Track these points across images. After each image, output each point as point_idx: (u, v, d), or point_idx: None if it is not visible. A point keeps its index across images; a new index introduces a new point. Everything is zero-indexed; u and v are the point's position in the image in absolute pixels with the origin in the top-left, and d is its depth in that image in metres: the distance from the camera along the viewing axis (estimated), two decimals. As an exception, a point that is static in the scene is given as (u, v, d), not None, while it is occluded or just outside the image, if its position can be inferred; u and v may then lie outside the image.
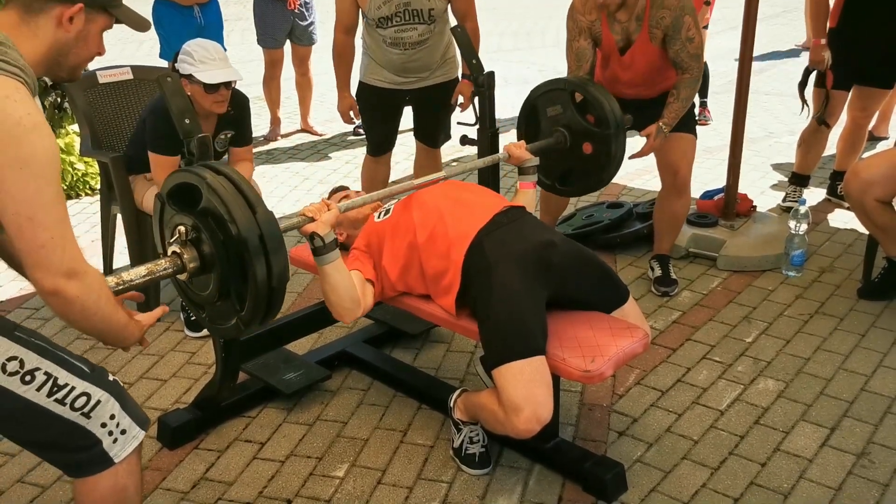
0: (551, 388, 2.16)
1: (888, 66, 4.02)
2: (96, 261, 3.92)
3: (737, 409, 2.72)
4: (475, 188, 2.65)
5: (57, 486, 2.47)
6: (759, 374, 2.92)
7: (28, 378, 1.68)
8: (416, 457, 2.54)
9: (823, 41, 4.02)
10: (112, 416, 1.78)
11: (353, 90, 3.76)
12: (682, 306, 3.42)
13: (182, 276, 1.96)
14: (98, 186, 4.81)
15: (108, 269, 3.71)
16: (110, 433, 1.78)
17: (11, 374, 1.66)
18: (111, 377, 1.82)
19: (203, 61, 3.03)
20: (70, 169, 4.83)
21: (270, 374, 2.85)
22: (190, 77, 3.04)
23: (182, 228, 1.92)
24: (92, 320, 1.65)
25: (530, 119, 3.20)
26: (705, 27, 5.92)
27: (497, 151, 3.11)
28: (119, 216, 3.54)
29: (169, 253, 1.96)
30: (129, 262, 3.45)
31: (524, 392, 2.11)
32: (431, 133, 3.87)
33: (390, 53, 3.57)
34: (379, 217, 2.55)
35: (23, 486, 2.48)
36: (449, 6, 3.56)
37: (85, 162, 4.88)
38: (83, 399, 1.74)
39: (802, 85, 4.16)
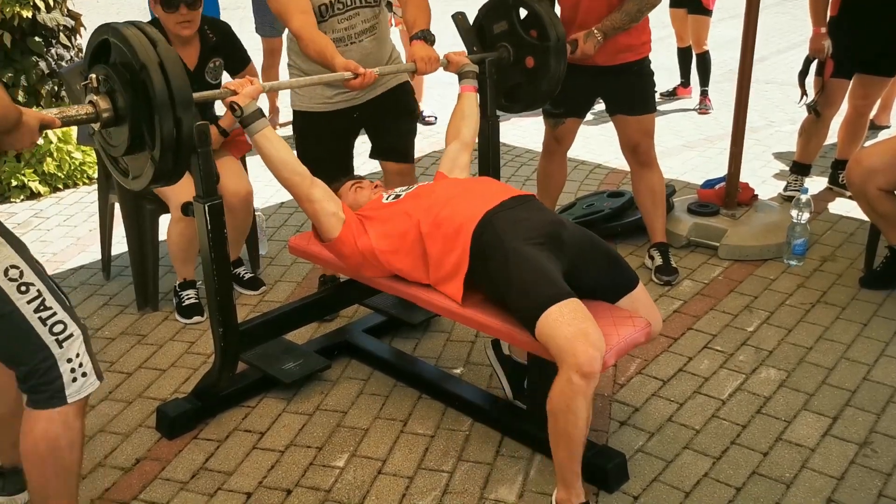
0: (597, 325, 2.10)
1: (889, 54, 4.00)
2: (95, 249, 3.91)
3: (738, 399, 2.71)
4: (484, 179, 2.66)
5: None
6: (761, 364, 2.91)
7: (23, 288, 1.81)
8: (416, 447, 2.53)
9: (823, 30, 4.00)
10: (78, 355, 1.89)
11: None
12: (684, 295, 3.40)
13: (96, 125, 2.08)
14: (95, 175, 4.80)
15: (107, 258, 3.69)
16: (72, 370, 1.88)
17: (11, 280, 1.80)
18: (82, 320, 1.94)
19: None
20: (67, 158, 4.81)
21: (270, 363, 2.84)
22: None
23: (94, 76, 2.04)
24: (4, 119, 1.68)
25: (479, 38, 3.16)
26: (709, 13, 5.90)
27: (498, 141, 3.09)
28: (117, 205, 3.52)
29: (86, 102, 2.07)
30: (126, 251, 3.43)
31: (572, 329, 2.04)
32: (398, 147, 3.24)
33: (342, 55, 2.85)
34: (387, 199, 2.57)
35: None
36: None
37: (82, 150, 4.86)
38: (60, 326, 1.86)
39: (803, 74, 4.14)
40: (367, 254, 2.49)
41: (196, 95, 2.15)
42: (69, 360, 1.87)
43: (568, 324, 2.06)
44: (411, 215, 2.42)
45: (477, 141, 3.29)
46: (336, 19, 2.94)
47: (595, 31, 3.17)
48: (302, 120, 3.19)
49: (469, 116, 2.89)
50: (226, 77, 3.34)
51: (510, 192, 2.47)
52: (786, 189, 4.43)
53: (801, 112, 4.34)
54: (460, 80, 2.93)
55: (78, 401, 1.91)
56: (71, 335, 1.87)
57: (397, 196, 2.56)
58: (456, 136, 2.86)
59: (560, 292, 2.13)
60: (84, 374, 1.90)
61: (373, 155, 3.29)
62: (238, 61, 3.37)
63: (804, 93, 4.15)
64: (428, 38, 2.89)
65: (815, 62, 4.07)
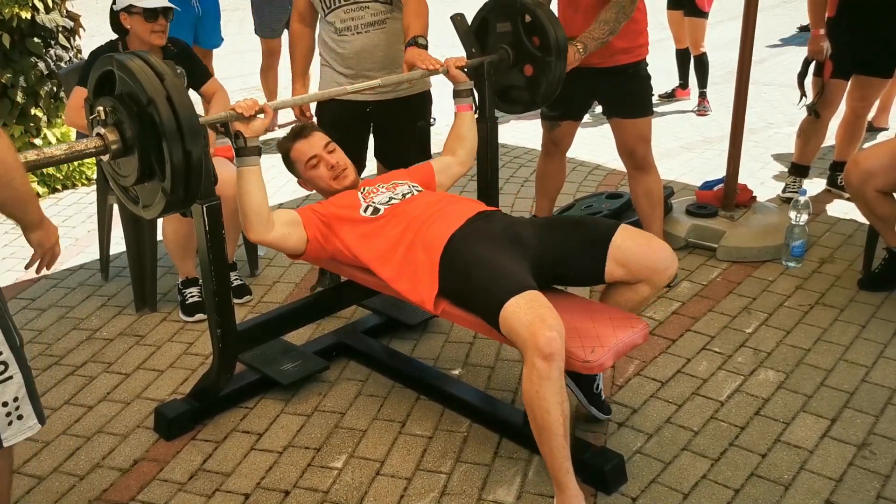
0: (554, 311, 2.09)
1: (887, 54, 4.01)
2: (93, 249, 3.91)
3: (737, 400, 2.71)
4: (458, 200, 2.59)
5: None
6: (760, 365, 2.91)
7: None
8: (414, 448, 2.53)
9: (822, 31, 4.01)
10: (15, 399, 1.80)
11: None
12: (682, 297, 3.40)
13: (105, 157, 2.06)
14: (94, 176, 4.80)
15: (105, 259, 3.69)
16: (7, 414, 1.80)
17: None
18: (29, 361, 1.86)
19: None
20: (66, 159, 4.80)
21: (268, 364, 2.83)
22: (129, 9, 3.11)
23: (100, 109, 2.04)
24: (8, 185, 1.68)
25: (479, 33, 3.16)
26: (705, 15, 5.91)
27: (496, 143, 3.08)
28: (115, 206, 3.52)
29: (93, 135, 2.07)
30: (125, 251, 3.43)
31: (529, 317, 2.05)
32: (394, 155, 3.26)
33: (343, 45, 3.13)
34: (365, 210, 2.52)
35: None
36: None
37: (81, 152, 4.85)
38: (1, 367, 1.77)
39: (802, 76, 4.15)
40: (339, 255, 2.54)
41: (202, 119, 2.15)
42: (4, 404, 1.80)
43: (525, 312, 2.07)
44: (389, 236, 2.44)
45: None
46: (342, 9, 3.08)
47: (577, 43, 3.11)
48: (320, 105, 3.26)
49: (465, 137, 2.88)
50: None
51: (476, 207, 2.48)
52: (784, 191, 4.43)
53: (799, 113, 4.34)
54: (455, 96, 2.91)
55: (10, 446, 1.85)
56: (10, 377, 1.79)
57: (376, 210, 2.51)
58: (452, 153, 2.87)
59: (517, 286, 2.14)
60: (20, 417, 1.83)
61: (376, 155, 3.36)
62: (199, 75, 3.37)
63: (803, 94, 4.16)
64: (419, 43, 2.89)
65: (814, 63, 4.08)
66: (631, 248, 2.31)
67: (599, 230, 2.36)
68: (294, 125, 2.77)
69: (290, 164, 2.73)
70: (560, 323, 2.07)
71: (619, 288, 2.40)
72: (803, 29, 8.68)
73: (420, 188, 2.66)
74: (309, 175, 2.67)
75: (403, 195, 2.59)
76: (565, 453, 2.10)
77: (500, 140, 3.20)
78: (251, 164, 2.36)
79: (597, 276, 2.36)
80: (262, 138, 2.41)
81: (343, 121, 3.17)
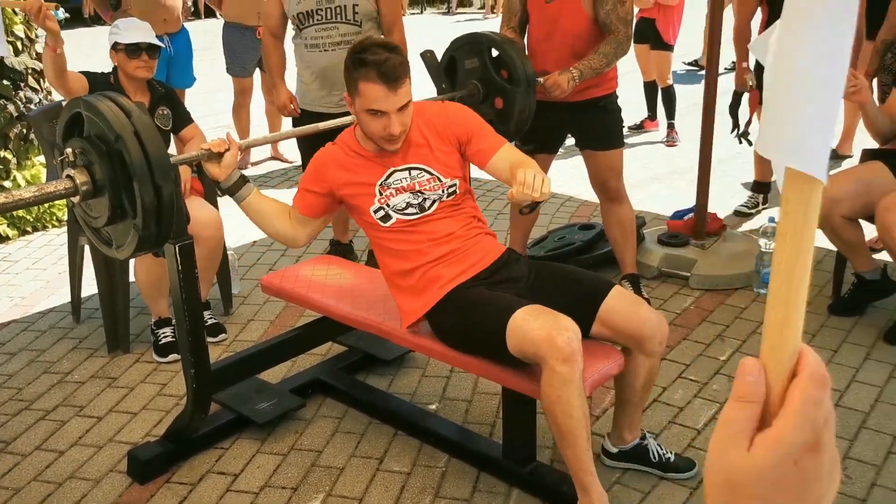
0: (563, 314, 2.10)
1: None
2: (64, 292, 3.86)
3: (714, 428, 2.71)
4: (478, 235, 2.48)
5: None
6: (734, 392, 2.92)
7: None
8: (392, 484, 2.51)
9: (745, 64, 4.17)
10: None
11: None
12: (656, 326, 3.42)
13: (76, 199, 2.08)
14: (65, 218, 4.76)
15: (77, 301, 3.65)
16: None
17: None
18: None
19: (127, 29, 3.24)
20: (36, 200, 4.76)
21: (243, 403, 2.81)
22: (115, 45, 3.23)
23: (69, 150, 2.06)
24: None
25: (449, 71, 3.22)
26: (670, 48, 6.03)
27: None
28: (87, 247, 3.49)
29: (63, 177, 2.09)
30: (96, 293, 3.40)
31: (540, 321, 2.07)
32: None
33: (311, 60, 3.43)
34: (376, 213, 2.40)
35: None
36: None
37: (52, 193, 4.81)
38: None
39: (734, 106, 4.26)
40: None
41: (173, 159, 2.17)
42: None
43: (535, 318, 2.09)
44: (400, 259, 2.42)
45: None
46: (314, 28, 3.38)
47: (572, 69, 3.14)
48: (301, 120, 3.49)
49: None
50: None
51: (493, 256, 2.43)
52: (743, 206, 4.68)
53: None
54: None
55: None
56: None
57: (387, 217, 2.39)
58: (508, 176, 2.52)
59: (516, 303, 2.17)
60: None
61: None
62: (181, 119, 3.43)
63: (735, 124, 4.26)
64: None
65: (745, 94, 4.23)
66: (619, 313, 2.28)
67: (592, 291, 2.32)
68: (387, 56, 2.20)
69: (351, 83, 2.28)
70: (575, 325, 2.09)
71: (624, 379, 2.35)
72: None
73: (454, 186, 2.43)
74: (360, 115, 2.31)
75: (422, 204, 2.39)
76: (589, 455, 2.12)
77: (473, 174, 3.22)
78: (245, 195, 2.39)
79: (581, 333, 2.26)
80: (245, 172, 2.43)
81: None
